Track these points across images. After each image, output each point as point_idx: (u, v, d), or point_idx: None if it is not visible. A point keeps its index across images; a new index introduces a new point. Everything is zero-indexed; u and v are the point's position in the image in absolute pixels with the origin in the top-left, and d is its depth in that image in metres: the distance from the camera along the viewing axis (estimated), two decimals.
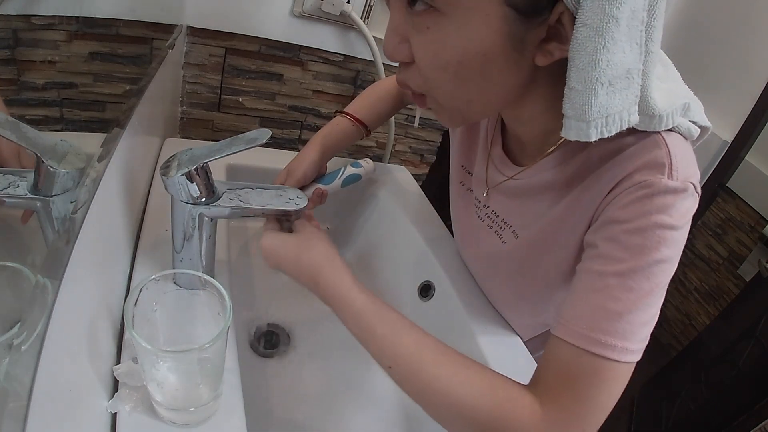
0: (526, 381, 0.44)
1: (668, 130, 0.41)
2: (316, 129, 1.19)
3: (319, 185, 0.68)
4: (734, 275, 1.54)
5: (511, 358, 0.59)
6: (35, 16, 0.34)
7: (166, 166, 0.45)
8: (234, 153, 0.45)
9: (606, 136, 0.36)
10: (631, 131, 0.41)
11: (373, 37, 1.02)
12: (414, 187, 0.92)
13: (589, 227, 0.45)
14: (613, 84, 0.35)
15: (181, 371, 0.39)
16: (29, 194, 0.33)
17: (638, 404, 1.57)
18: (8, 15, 0.31)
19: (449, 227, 0.80)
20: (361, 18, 1.00)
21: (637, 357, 0.39)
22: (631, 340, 0.38)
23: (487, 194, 0.58)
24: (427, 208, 0.86)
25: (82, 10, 0.42)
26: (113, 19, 0.52)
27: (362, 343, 0.45)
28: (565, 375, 0.40)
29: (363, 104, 0.76)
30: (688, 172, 0.40)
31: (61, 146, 0.36)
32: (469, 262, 0.70)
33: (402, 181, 0.92)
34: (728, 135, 1.42)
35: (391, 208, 0.85)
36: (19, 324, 0.28)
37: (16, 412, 0.28)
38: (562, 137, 0.45)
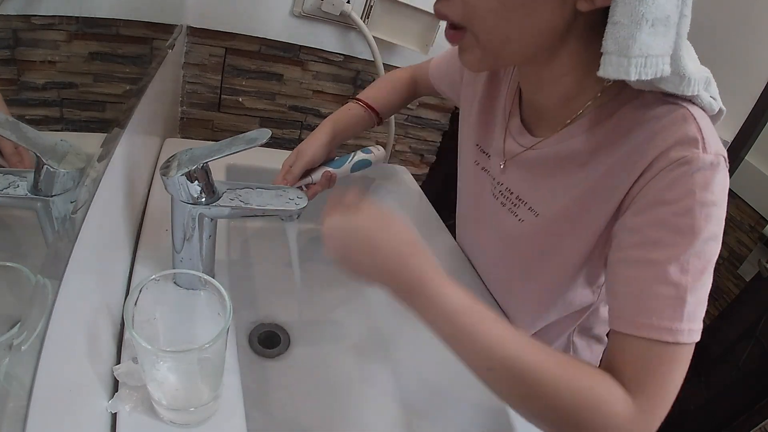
0: None
1: (692, 102, 0.42)
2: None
3: (328, 168, 0.67)
4: (734, 275, 1.54)
5: None
6: (35, 16, 0.34)
7: (166, 166, 0.45)
8: (234, 153, 0.45)
9: (643, 78, 0.37)
10: (658, 100, 0.42)
11: (373, 37, 1.02)
12: (414, 187, 0.92)
13: (618, 208, 0.44)
14: (655, 25, 0.36)
15: (181, 371, 0.39)
16: (29, 194, 0.33)
17: None
18: (8, 15, 0.31)
19: (449, 227, 0.80)
20: (361, 18, 1.00)
21: (698, 336, 0.40)
22: (694, 321, 0.39)
23: (504, 166, 0.57)
24: (427, 208, 0.86)
25: (82, 10, 0.42)
26: (113, 19, 0.52)
27: (455, 343, 0.40)
28: (644, 367, 0.40)
29: (376, 92, 0.76)
30: (718, 145, 0.40)
31: (61, 146, 0.36)
32: (479, 247, 0.69)
33: (402, 181, 0.92)
34: (728, 135, 1.42)
35: (391, 208, 0.85)
36: (19, 324, 0.28)
37: (16, 412, 0.28)
38: (581, 109, 0.46)
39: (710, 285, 0.41)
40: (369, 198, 0.44)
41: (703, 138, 0.40)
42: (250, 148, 0.46)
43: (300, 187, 0.65)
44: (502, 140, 0.57)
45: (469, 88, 0.66)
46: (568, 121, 0.48)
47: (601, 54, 0.38)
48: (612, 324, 0.42)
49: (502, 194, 0.58)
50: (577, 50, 0.43)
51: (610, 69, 0.38)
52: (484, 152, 0.62)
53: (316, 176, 0.66)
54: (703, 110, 0.43)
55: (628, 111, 0.44)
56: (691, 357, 0.40)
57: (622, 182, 0.43)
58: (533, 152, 0.52)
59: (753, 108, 1.37)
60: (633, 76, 0.37)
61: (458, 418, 0.59)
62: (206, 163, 0.45)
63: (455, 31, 0.43)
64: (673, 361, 0.39)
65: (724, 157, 0.40)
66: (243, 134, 0.47)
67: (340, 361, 0.68)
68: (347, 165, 0.69)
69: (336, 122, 0.70)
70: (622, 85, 0.44)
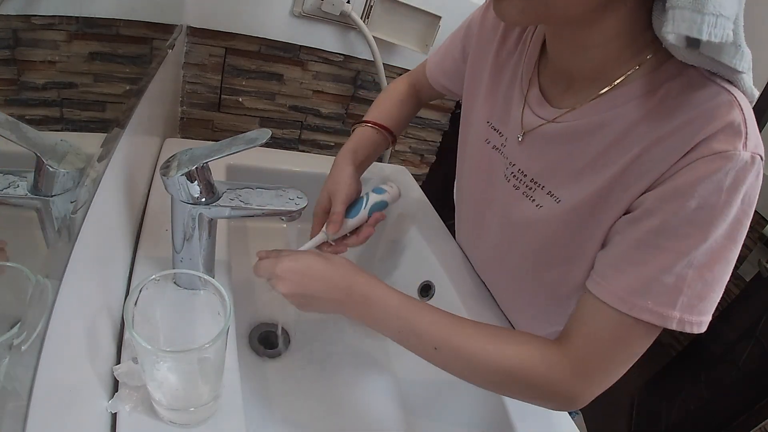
0: None
1: (733, 85, 0.40)
2: (316, 129, 1.19)
3: (347, 218, 0.61)
4: (734, 275, 1.54)
5: None
6: (35, 16, 0.34)
7: (166, 166, 0.45)
8: (234, 153, 0.45)
9: (712, 40, 0.35)
10: (703, 79, 0.40)
11: (373, 37, 1.02)
12: (414, 187, 0.92)
13: (648, 188, 0.42)
14: None
15: (181, 371, 0.39)
16: (29, 194, 0.33)
17: (638, 404, 1.57)
18: (8, 15, 0.31)
19: (449, 227, 0.80)
20: (361, 18, 1.00)
21: (693, 328, 0.41)
22: (689, 312, 0.40)
23: (522, 139, 0.52)
24: (427, 208, 0.86)
25: (82, 10, 0.42)
26: (113, 19, 0.52)
27: (403, 335, 0.48)
28: (603, 336, 0.43)
29: (384, 111, 0.72)
30: (757, 141, 0.39)
31: (61, 146, 0.36)
32: (484, 238, 0.64)
33: (402, 181, 0.92)
34: None
35: (391, 208, 0.85)
36: (19, 324, 0.28)
37: (16, 412, 0.28)
38: (617, 80, 0.44)
39: (722, 279, 0.41)
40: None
41: (746, 131, 0.38)
42: (250, 148, 0.46)
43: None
44: (520, 112, 0.53)
45: (477, 62, 0.61)
46: (601, 92, 0.45)
47: (666, 10, 0.36)
48: (600, 292, 0.43)
49: (515, 176, 0.54)
50: (624, 12, 0.40)
51: (682, 25, 0.35)
52: (495, 130, 0.58)
53: (341, 232, 0.61)
54: (744, 95, 0.41)
55: (674, 88, 0.41)
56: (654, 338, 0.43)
57: (659, 164, 0.41)
58: (556, 125, 0.48)
59: (753, 108, 1.37)
60: (704, 36, 0.34)
61: (457, 418, 0.59)
62: (206, 163, 0.45)
63: None
64: (645, 341, 0.42)
65: (760, 156, 0.39)
66: (243, 134, 0.47)
67: (340, 362, 0.68)
68: (364, 212, 0.62)
69: (356, 152, 0.65)
70: (663, 58, 0.42)
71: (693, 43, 0.36)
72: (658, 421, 1.43)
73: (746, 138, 0.38)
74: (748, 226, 0.41)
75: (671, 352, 1.70)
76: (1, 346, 0.27)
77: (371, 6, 0.99)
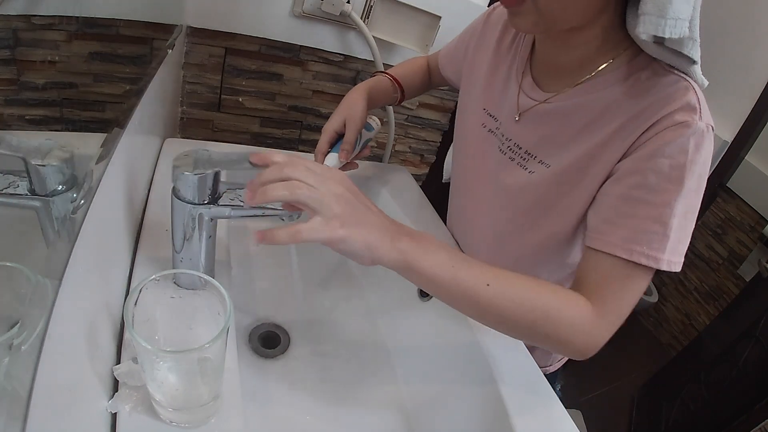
0: (526, 386, 0.53)
1: (689, 76, 0.50)
2: (316, 129, 1.19)
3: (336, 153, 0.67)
4: (734, 275, 1.54)
5: (510, 356, 0.59)
6: (35, 16, 0.34)
7: (181, 159, 0.45)
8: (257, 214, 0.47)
9: (674, 37, 0.45)
10: (666, 71, 0.50)
11: (373, 37, 1.02)
12: (414, 187, 0.92)
13: (623, 156, 0.51)
14: None
15: (181, 371, 0.39)
16: (29, 194, 0.33)
17: (638, 404, 1.57)
18: (8, 15, 0.31)
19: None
20: (361, 18, 1.00)
21: (679, 267, 0.50)
22: (674, 254, 0.49)
23: (518, 119, 0.61)
24: (427, 208, 0.86)
25: (82, 10, 0.42)
26: (113, 19, 0.52)
27: (455, 270, 0.45)
28: (611, 281, 0.50)
29: (402, 72, 0.80)
30: (708, 116, 0.49)
31: (45, 145, 0.36)
32: (476, 206, 0.71)
33: (402, 181, 0.92)
34: (728, 135, 1.42)
35: (391, 208, 0.85)
36: (19, 324, 0.28)
37: (16, 412, 0.28)
38: (597, 69, 0.54)
39: (693, 227, 0.50)
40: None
41: (700, 108, 0.48)
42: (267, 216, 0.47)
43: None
44: (516, 97, 0.62)
45: (476, 58, 0.71)
46: (583, 79, 0.55)
47: (638, 16, 0.45)
48: (600, 245, 0.50)
49: (510, 149, 0.63)
50: (605, 19, 0.50)
51: (650, 27, 0.44)
52: (491, 115, 0.67)
53: (332, 162, 0.65)
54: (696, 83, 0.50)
55: (642, 77, 0.51)
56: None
57: (631, 135, 0.50)
58: (548, 105, 0.58)
59: (753, 108, 1.37)
60: (667, 34, 0.44)
61: (457, 418, 0.59)
62: (221, 171, 0.45)
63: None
64: (644, 281, 0.50)
65: (712, 127, 0.49)
66: (275, 203, 0.48)
67: (340, 361, 0.68)
68: (358, 148, 0.68)
69: (370, 90, 0.72)
70: (634, 53, 0.52)
71: (659, 39, 0.46)
72: (658, 421, 1.43)
73: (701, 113, 0.48)
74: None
75: (671, 352, 1.70)
76: (1, 346, 0.27)
77: (371, 6, 0.99)
